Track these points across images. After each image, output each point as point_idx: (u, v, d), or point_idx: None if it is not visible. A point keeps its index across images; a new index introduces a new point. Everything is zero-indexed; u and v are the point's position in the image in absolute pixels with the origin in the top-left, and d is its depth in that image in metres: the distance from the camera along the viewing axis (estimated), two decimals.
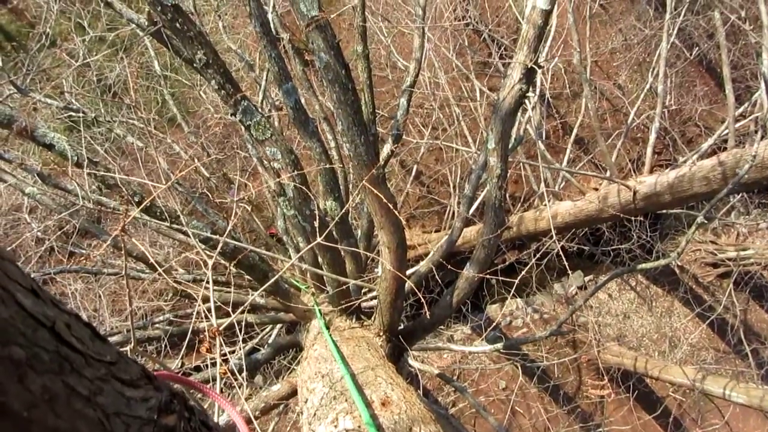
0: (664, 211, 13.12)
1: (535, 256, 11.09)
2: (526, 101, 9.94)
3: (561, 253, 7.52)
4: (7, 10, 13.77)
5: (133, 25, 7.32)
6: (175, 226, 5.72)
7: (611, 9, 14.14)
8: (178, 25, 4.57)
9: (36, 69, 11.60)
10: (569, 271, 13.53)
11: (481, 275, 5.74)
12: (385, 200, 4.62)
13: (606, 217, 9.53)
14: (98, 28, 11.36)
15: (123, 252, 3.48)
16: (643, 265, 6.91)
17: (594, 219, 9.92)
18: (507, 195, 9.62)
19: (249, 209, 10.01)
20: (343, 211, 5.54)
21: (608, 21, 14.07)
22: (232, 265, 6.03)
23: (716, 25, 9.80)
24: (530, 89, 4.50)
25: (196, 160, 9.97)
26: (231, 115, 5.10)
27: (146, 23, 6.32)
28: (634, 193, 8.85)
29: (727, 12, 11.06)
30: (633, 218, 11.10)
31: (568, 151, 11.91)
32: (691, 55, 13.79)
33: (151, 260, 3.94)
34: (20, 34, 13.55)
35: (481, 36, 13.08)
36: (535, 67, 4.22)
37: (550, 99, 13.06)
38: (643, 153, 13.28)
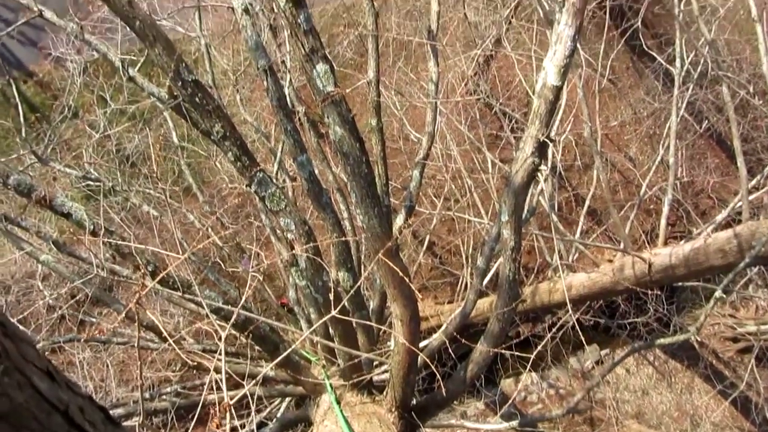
0: (680, 283, 12.94)
1: (550, 329, 10.89)
2: (539, 174, 10.01)
3: (576, 326, 7.39)
4: (33, 82, 14.29)
5: (154, 98, 7.55)
6: (187, 296, 5.70)
7: (620, 83, 14.43)
8: (197, 99, 4.70)
9: (57, 139, 11.92)
10: (585, 345, 13.24)
11: (495, 349, 5.62)
12: (398, 273, 4.59)
13: (621, 289, 9.40)
14: (120, 101, 11.70)
15: (136, 324, 3.45)
16: (662, 340, 6.76)
17: (609, 291, 9.78)
18: (520, 267, 9.55)
19: (261, 279, 9.98)
20: (357, 285, 5.49)
21: (617, 95, 14.33)
22: (243, 336, 5.96)
23: (725, 99, 9.94)
24: (542, 162, 4.54)
25: (210, 231, 10.03)
26: (246, 186, 5.16)
27: (166, 97, 6.50)
28: (650, 266, 8.75)
29: (734, 87, 11.24)
30: (649, 291, 10.94)
31: (581, 222, 11.88)
32: (700, 128, 13.94)
33: (164, 333, 3.89)
34: (44, 105, 13.99)
35: (493, 109, 13.33)
36: (547, 141, 4.26)
37: (561, 171, 13.15)
38: (656, 225, 13.23)
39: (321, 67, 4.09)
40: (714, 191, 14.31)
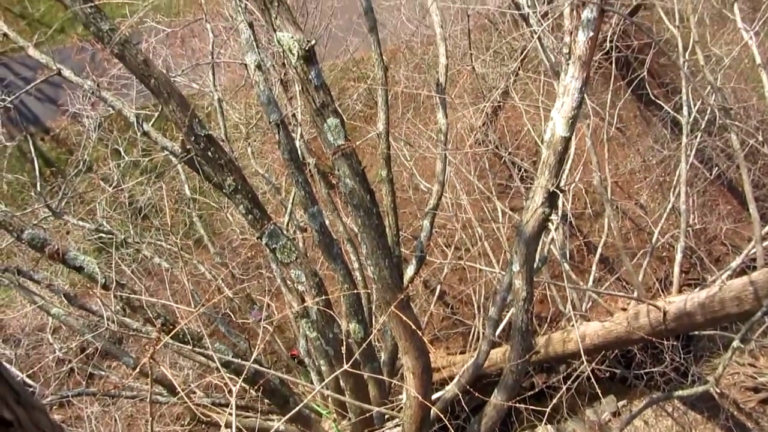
0: (697, 332, 12.70)
1: (565, 380, 10.67)
2: (549, 223, 9.99)
3: (592, 376, 7.24)
4: (49, 137, 14.59)
5: (167, 152, 7.67)
6: (198, 349, 5.66)
7: (628, 132, 14.53)
8: (210, 153, 4.78)
9: (71, 193, 12.07)
10: (601, 396, 12.94)
11: (509, 402, 5.51)
12: (410, 325, 4.55)
13: (636, 338, 9.24)
14: (133, 154, 11.89)
15: (149, 379, 3.41)
16: (680, 392, 6.61)
17: (624, 341, 9.61)
18: (533, 317, 9.43)
19: (271, 330, 9.91)
20: (369, 339, 5.43)
21: (626, 143, 14.41)
22: (253, 389, 5.88)
23: (734, 147, 9.96)
24: (553, 212, 4.54)
25: (221, 282, 10.03)
26: (257, 239, 5.18)
27: (179, 150, 6.61)
28: (664, 314, 8.62)
29: (743, 135, 11.27)
30: (665, 340, 10.73)
31: (593, 270, 11.78)
32: (711, 174, 13.93)
33: (177, 388, 3.84)
34: (59, 160, 14.25)
35: (502, 159, 13.41)
36: (557, 191, 4.27)
37: (572, 219, 13.12)
38: (670, 272, 13.09)
39: (331, 121, 4.16)
40: (727, 238, 14.19)
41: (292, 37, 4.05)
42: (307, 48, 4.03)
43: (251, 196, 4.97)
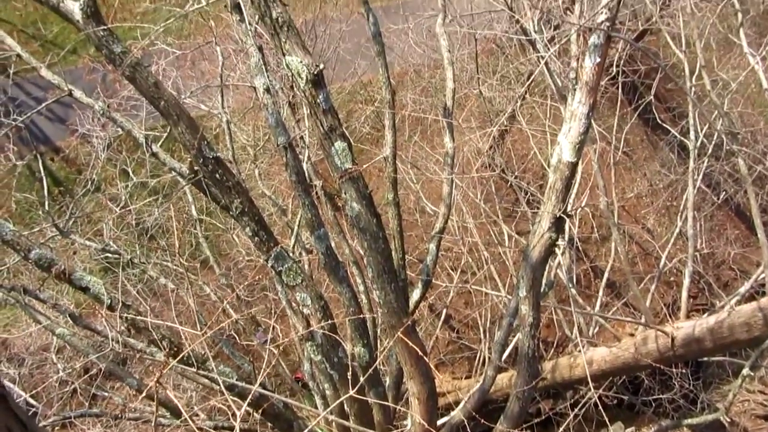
0: (706, 358, 12.56)
1: (572, 406, 10.53)
2: (556, 248, 9.95)
3: (599, 403, 7.15)
4: (59, 157, 14.70)
5: (175, 173, 7.70)
6: (202, 371, 5.63)
7: (635, 156, 14.52)
8: (217, 175, 4.80)
9: (79, 213, 12.13)
10: (609, 423, 12.75)
11: (515, 430, 5.44)
12: (415, 350, 4.51)
13: (644, 364, 9.15)
14: (141, 174, 11.95)
15: (155, 402, 3.39)
16: (690, 420, 6.52)
17: (632, 366, 9.52)
18: (539, 342, 9.35)
19: (276, 353, 9.85)
20: (375, 365, 5.39)
21: (633, 167, 14.40)
22: (257, 413, 5.83)
23: (742, 172, 9.94)
24: (559, 237, 4.52)
25: (226, 304, 10.01)
26: (263, 261, 5.18)
27: (187, 172, 6.63)
28: (672, 340, 8.54)
29: (750, 160, 11.24)
30: (673, 366, 10.61)
31: (600, 295, 11.71)
32: (718, 199, 13.88)
33: (182, 411, 3.82)
34: (68, 179, 14.33)
35: (508, 182, 13.42)
36: (564, 217, 4.26)
37: (578, 243, 13.07)
38: (677, 297, 12.98)
39: (339, 144, 4.18)
40: (735, 263, 14.09)
41: (301, 62, 4.09)
42: (315, 72, 4.06)
43: (258, 219, 4.98)
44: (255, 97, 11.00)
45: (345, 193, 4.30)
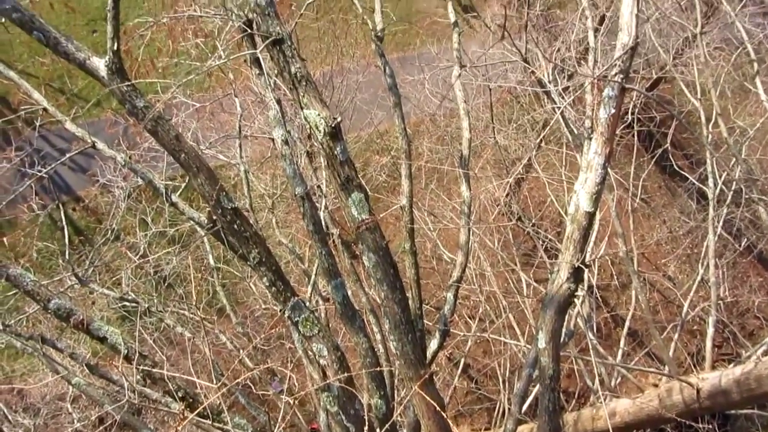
0: (733, 411, 12.19)
1: None
2: (575, 298, 9.83)
3: None
4: (80, 207, 14.95)
5: (194, 223, 7.78)
6: (217, 424, 5.56)
7: (653, 202, 14.44)
8: (236, 226, 4.84)
9: (98, 262, 12.25)
10: None
11: None
12: (433, 404, 4.43)
13: (669, 417, 8.89)
14: (160, 224, 12.09)
15: None
16: None
17: (656, 419, 9.25)
18: (560, 393, 9.15)
19: (292, 403, 9.73)
20: (392, 420, 5.29)
21: (651, 214, 14.30)
22: None
23: (763, 219, 9.83)
24: (578, 288, 4.47)
25: (242, 354, 9.96)
26: (280, 311, 5.17)
27: (206, 221, 6.69)
28: (698, 391, 8.31)
29: None
30: (699, 419, 10.30)
31: (621, 344, 11.48)
32: (739, 246, 13.68)
33: None
34: (88, 228, 14.54)
35: (526, 230, 13.37)
36: (583, 267, 4.22)
37: (598, 291, 12.90)
38: (702, 346, 12.67)
39: (356, 195, 4.21)
40: (760, 311, 13.80)
41: (319, 115, 4.16)
42: (333, 125, 4.12)
43: (275, 269, 4.99)
44: (273, 146, 11.18)
45: (362, 244, 4.31)
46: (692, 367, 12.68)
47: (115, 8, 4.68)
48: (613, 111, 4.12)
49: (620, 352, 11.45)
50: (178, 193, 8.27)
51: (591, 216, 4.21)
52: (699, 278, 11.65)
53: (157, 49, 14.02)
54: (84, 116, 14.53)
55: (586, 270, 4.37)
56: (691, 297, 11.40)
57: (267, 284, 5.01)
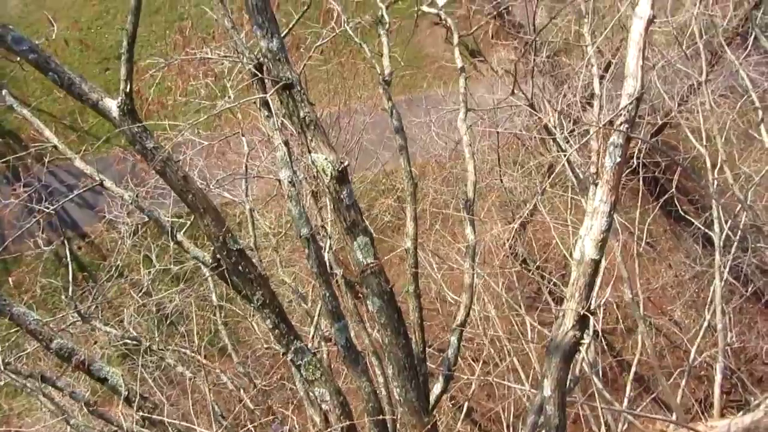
0: None
1: None
2: (581, 346, 9.70)
3: None
4: (85, 243, 14.99)
5: (198, 262, 7.78)
6: None
7: (658, 247, 14.39)
8: (240, 268, 4.84)
9: (101, 298, 12.22)
10: None
11: None
12: None
13: None
14: (164, 260, 12.09)
15: None
16: None
17: None
18: None
19: None
20: None
21: (657, 258, 14.25)
22: None
23: None
24: (584, 336, 4.42)
25: (243, 394, 9.85)
26: (282, 354, 5.12)
27: (210, 260, 6.69)
28: None
29: None
30: None
31: (628, 390, 11.29)
32: (746, 291, 13.55)
33: None
34: (92, 265, 14.55)
35: (530, 271, 13.31)
36: (588, 315, 4.18)
37: (603, 335, 12.77)
38: (709, 393, 12.46)
39: (361, 239, 4.22)
40: None
41: (326, 159, 4.20)
42: (339, 169, 4.16)
43: (278, 311, 4.97)
44: (278, 185, 11.24)
45: (366, 288, 4.30)
46: (700, 414, 12.47)
47: (129, 51, 4.78)
48: (618, 159, 4.15)
49: (626, 398, 11.26)
50: (184, 230, 8.29)
51: (596, 263, 4.19)
52: (706, 324, 11.52)
53: (167, 88, 14.25)
54: (93, 153, 14.70)
55: (592, 318, 4.33)
56: (699, 342, 11.25)
57: (270, 326, 4.98)
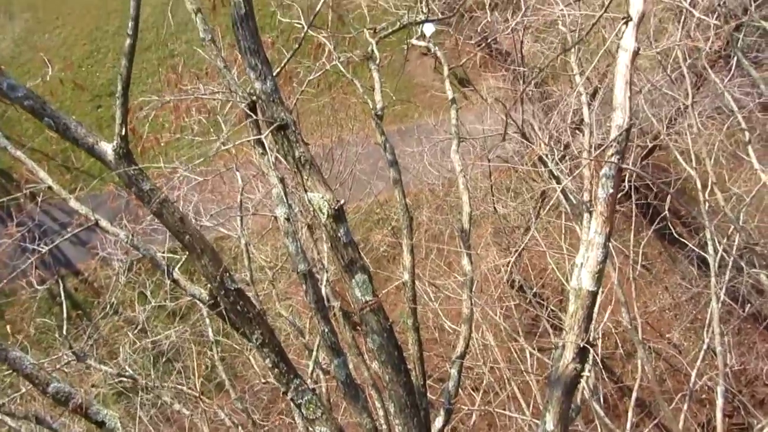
0: None
1: None
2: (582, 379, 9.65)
3: None
4: (78, 280, 14.88)
5: (195, 299, 7.73)
6: None
7: (654, 269, 14.41)
8: (239, 307, 4.82)
9: (96, 336, 12.09)
10: None
11: None
12: None
13: None
14: (159, 296, 12.01)
15: None
16: None
17: None
18: None
19: None
20: None
21: (653, 281, 14.26)
22: None
23: (765, 285, 9.79)
24: (584, 368, 4.41)
25: (240, 429, 9.73)
26: (283, 393, 5.08)
27: (207, 297, 6.65)
28: None
29: None
30: None
31: (629, 415, 11.19)
32: (744, 311, 13.55)
33: None
34: (86, 302, 14.43)
35: (527, 299, 13.30)
36: (588, 347, 4.18)
37: (603, 360, 12.72)
38: (712, 416, 12.37)
39: (359, 277, 4.22)
40: None
41: (323, 197, 4.22)
42: (336, 207, 4.18)
43: (278, 350, 4.94)
44: (274, 218, 11.23)
45: (366, 326, 4.29)
46: None
47: (123, 95, 4.82)
48: (611, 191, 4.19)
49: (629, 424, 11.16)
50: (179, 265, 8.27)
51: (594, 295, 4.21)
52: (705, 346, 11.50)
53: (160, 124, 14.32)
54: (87, 191, 14.65)
55: (592, 349, 4.33)
56: (699, 366, 11.21)
57: (270, 366, 4.95)
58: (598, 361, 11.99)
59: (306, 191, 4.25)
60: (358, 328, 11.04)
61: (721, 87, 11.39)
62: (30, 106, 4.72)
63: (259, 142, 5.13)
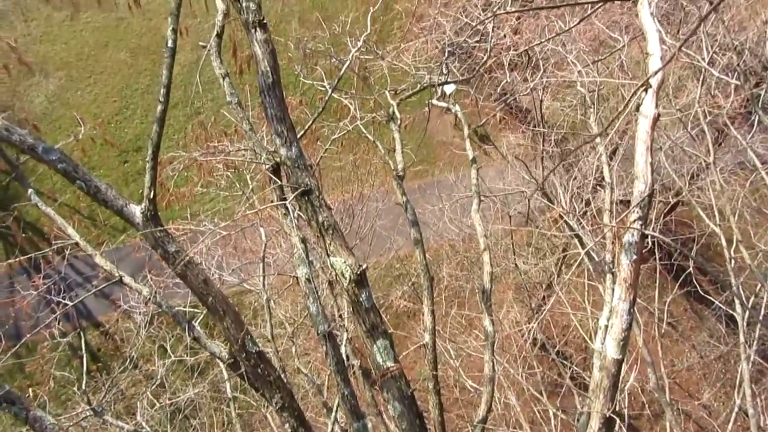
0: None
1: None
2: None
3: None
4: (99, 332, 14.95)
5: (215, 356, 7.72)
6: None
7: (680, 327, 14.10)
8: (259, 370, 4.81)
9: (114, 390, 12.06)
10: None
11: None
12: None
13: None
14: (179, 350, 12.00)
15: None
16: None
17: None
18: None
19: None
20: None
21: (679, 339, 13.93)
22: None
23: None
24: None
25: None
26: None
27: (226, 355, 6.65)
28: None
29: None
30: None
31: None
32: None
33: None
34: (106, 355, 14.45)
35: (550, 356, 13.06)
36: (614, 417, 4.08)
37: (630, 420, 12.35)
38: None
39: (381, 342, 4.20)
40: None
41: (345, 262, 4.24)
42: (358, 272, 4.19)
43: (297, 414, 4.89)
44: (294, 273, 11.26)
45: (387, 392, 4.24)
46: None
47: (153, 159, 4.95)
48: (634, 257, 4.15)
49: None
50: (199, 320, 8.29)
51: (619, 363, 4.12)
52: (737, 408, 11.13)
53: (188, 178, 14.59)
54: (110, 242, 14.88)
55: (618, 420, 4.22)
56: (730, 428, 10.83)
57: (289, 430, 4.89)
58: (624, 427, 11.64)
59: (328, 255, 4.28)
60: (377, 386, 10.91)
61: (743, 143, 11.37)
62: (63, 169, 4.86)
63: (283, 205, 5.21)
